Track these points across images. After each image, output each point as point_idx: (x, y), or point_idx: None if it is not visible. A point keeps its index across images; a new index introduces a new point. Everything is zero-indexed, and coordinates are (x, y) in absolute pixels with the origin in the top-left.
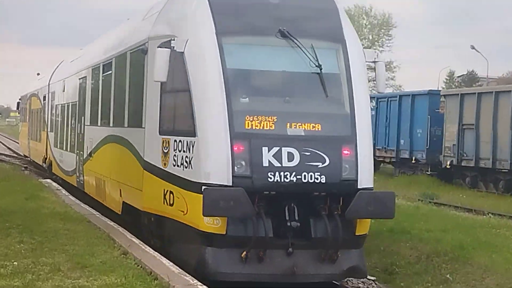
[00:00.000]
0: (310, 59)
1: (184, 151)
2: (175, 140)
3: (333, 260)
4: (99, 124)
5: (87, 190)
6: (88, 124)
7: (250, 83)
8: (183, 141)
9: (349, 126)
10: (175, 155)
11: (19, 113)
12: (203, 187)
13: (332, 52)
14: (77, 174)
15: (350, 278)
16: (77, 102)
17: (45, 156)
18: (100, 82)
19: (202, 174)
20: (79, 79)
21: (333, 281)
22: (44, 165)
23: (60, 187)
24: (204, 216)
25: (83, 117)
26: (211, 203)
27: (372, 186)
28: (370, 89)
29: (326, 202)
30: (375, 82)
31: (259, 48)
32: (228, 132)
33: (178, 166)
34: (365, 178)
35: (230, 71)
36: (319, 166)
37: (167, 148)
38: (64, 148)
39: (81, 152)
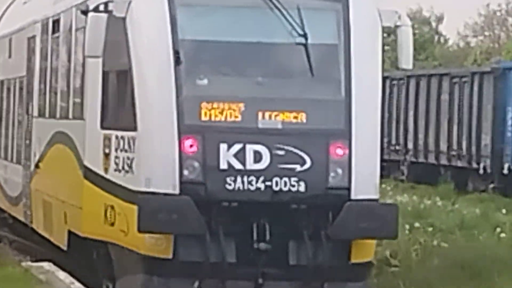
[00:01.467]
0: (294, 25)
1: (125, 151)
2: (116, 136)
3: None
4: (46, 115)
5: (35, 224)
6: (36, 115)
7: (211, 58)
8: (124, 137)
9: (342, 116)
10: (116, 156)
11: None
12: (139, 196)
13: (327, 15)
14: (24, 200)
15: None
16: (25, 79)
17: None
18: (49, 48)
19: (142, 180)
20: (28, 39)
21: None
22: None
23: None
24: (139, 232)
25: (30, 104)
26: (148, 216)
27: (376, 197)
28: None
29: (309, 218)
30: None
31: (225, 11)
32: (176, 124)
33: (119, 171)
34: (363, 186)
35: (184, 43)
36: (297, 170)
37: (108, 147)
38: (9, 158)
39: (28, 163)
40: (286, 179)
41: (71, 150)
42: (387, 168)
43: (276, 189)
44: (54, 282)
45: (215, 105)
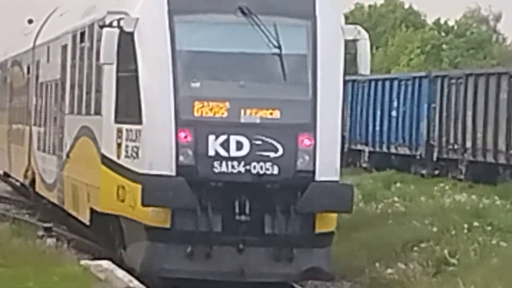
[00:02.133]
0: (270, 38)
1: (133, 141)
2: (126, 129)
3: (290, 259)
4: (75, 112)
5: (66, 205)
6: (67, 112)
7: (203, 65)
8: (132, 129)
9: (309, 113)
10: (126, 145)
11: None
12: (143, 177)
13: (299, 30)
14: (57, 185)
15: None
16: (59, 81)
17: (27, 167)
18: (77, 56)
19: (146, 164)
20: (62, 47)
21: (290, 282)
22: (26, 182)
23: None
24: (142, 206)
25: (63, 103)
26: (149, 193)
27: (337, 179)
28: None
29: (281, 195)
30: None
31: (215, 27)
32: (173, 119)
33: (128, 157)
34: (326, 170)
35: (181, 53)
36: (271, 156)
37: (120, 138)
38: (47, 150)
39: (61, 153)
40: (262, 163)
41: (92, 141)
42: (445, 167)
43: (254, 172)
44: (112, 281)
45: (205, 104)
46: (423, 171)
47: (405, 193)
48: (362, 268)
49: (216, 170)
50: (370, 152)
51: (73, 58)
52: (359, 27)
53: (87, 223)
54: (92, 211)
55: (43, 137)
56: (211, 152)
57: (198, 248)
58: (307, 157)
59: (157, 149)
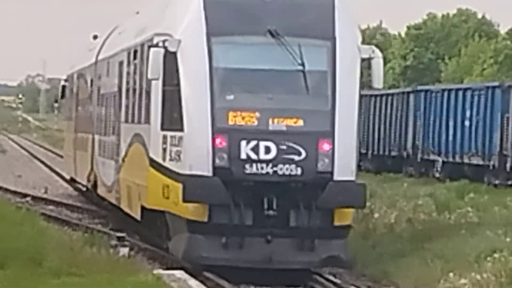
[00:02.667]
0: (295, 57)
1: (176, 146)
2: (170, 136)
3: (312, 248)
4: (129, 121)
5: (122, 204)
6: (123, 121)
7: (236, 80)
8: (175, 136)
9: (328, 121)
10: (170, 149)
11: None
12: (184, 177)
13: (320, 50)
14: (115, 187)
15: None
16: (117, 93)
17: (90, 172)
18: (131, 71)
19: (187, 166)
20: (119, 63)
21: (312, 269)
22: (89, 185)
23: None
24: (183, 202)
25: (119, 113)
26: (189, 191)
27: (353, 178)
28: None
29: (304, 193)
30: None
31: (247, 47)
32: (210, 127)
33: (172, 160)
34: (342, 171)
35: (217, 70)
36: (295, 159)
37: (165, 143)
38: (107, 156)
39: (118, 158)
40: (287, 166)
41: (142, 146)
42: None
43: (281, 173)
44: None
45: (238, 113)
46: (496, 181)
47: (478, 203)
48: (436, 278)
49: (247, 171)
50: (443, 162)
51: (128, 73)
52: (373, 47)
53: (139, 218)
54: (143, 208)
55: (103, 144)
56: (243, 156)
57: (232, 239)
58: (326, 160)
59: (196, 153)
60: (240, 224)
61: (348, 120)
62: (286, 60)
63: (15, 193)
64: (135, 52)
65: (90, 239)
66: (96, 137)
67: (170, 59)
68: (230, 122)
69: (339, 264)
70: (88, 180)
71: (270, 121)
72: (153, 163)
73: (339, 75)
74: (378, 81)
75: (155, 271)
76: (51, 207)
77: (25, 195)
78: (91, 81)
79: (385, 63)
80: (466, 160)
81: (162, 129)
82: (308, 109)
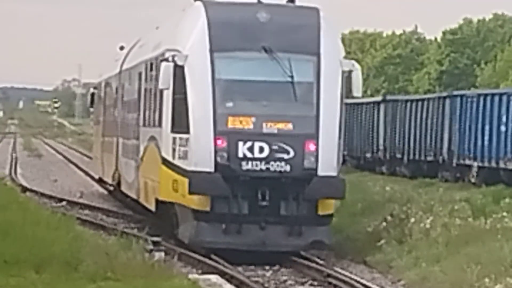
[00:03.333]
0: (285, 70)
1: (183, 146)
2: (179, 137)
3: (299, 234)
4: (146, 125)
5: (141, 198)
6: (141, 125)
7: (235, 90)
8: (183, 137)
9: (313, 125)
10: (179, 149)
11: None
12: (190, 173)
13: (307, 64)
14: (135, 183)
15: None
16: (137, 100)
17: (114, 171)
18: (148, 81)
19: (192, 163)
20: (138, 73)
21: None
22: (114, 183)
23: None
24: (189, 194)
25: (138, 118)
26: (194, 184)
27: (334, 174)
28: None
29: (292, 186)
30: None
31: (244, 61)
32: (212, 130)
33: (180, 158)
34: (326, 168)
35: (219, 81)
36: (285, 158)
37: (174, 144)
38: (128, 156)
39: (137, 158)
40: (278, 163)
41: (156, 147)
42: None
43: (272, 169)
44: None
45: (236, 118)
46: None
47: None
48: (472, 283)
49: (243, 168)
50: (478, 167)
51: (145, 83)
52: (353, 61)
53: (153, 210)
54: (157, 200)
55: (125, 146)
56: (240, 154)
57: (231, 226)
58: (312, 158)
59: (200, 152)
60: (238, 213)
61: (330, 124)
62: (278, 72)
63: (50, 197)
64: (151, 64)
65: (126, 244)
66: (120, 140)
67: (179, 71)
68: (230, 126)
69: (322, 247)
70: (113, 179)
71: (264, 125)
72: (164, 161)
73: (323, 85)
74: (357, 90)
75: (190, 276)
76: (86, 211)
77: (60, 200)
78: (116, 89)
79: (421, 68)
80: (502, 165)
81: (172, 131)
82: (296, 114)
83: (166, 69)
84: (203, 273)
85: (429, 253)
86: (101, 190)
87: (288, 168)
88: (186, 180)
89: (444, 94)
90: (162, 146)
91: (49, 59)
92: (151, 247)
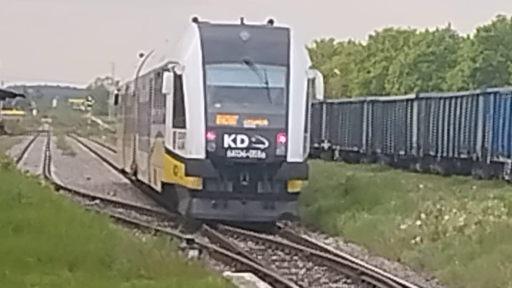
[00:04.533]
0: (262, 78)
1: (181, 138)
2: (178, 132)
3: (273, 207)
4: (155, 122)
5: (152, 182)
6: (152, 122)
7: (222, 94)
8: (181, 131)
9: (284, 121)
10: (178, 141)
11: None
12: (186, 160)
13: (279, 73)
14: (147, 171)
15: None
16: (148, 102)
17: (132, 162)
18: (157, 87)
19: (188, 152)
20: (149, 80)
21: (274, 221)
22: (131, 172)
23: None
24: (185, 176)
25: (150, 117)
26: (190, 168)
27: (300, 160)
28: None
29: (267, 170)
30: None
31: (229, 71)
32: (204, 126)
33: (178, 148)
34: (294, 155)
35: (209, 87)
36: (261, 147)
37: (175, 136)
38: (143, 149)
39: (148, 149)
40: (256, 151)
41: (161, 139)
42: None
43: (251, 156)
44: None
45: (223, 116)
46: None
47: None
48: (505, 280)
49: (228, 155)
50: None
51: (155, 88)
52: (316, 70)
53: (160, 191)
54: (162, 183)
55: (140, 140)
56: (226, 145)
57: (218, 202)
58: (282, 148)
59: (194, 143)
60: (224, 191)
61: (297, 121)
62: (256, 80)
63: (84, 195)
64: (158, 73)
65: (159, 242)
66: (137, 135)
67: (178, 79)
68: (218, 122)
69: (292, 218)
70: (131, 169)
71: (245, 121)
72: (167, 150)
73: (292, 90)
74: (319, 94)
75: (224, 274)
76: (120, 209)
77: (94, 198)
78: (134, 92)
79: (454, 66)
80: None
81: (173, 127)
82: (270, 113)
83: (168, 77)
84: (237, 271)
85: (462, 251)
86: (134, 187)
87: (263, 155)
88: (183, 165)
89: (478, 91)
90: (166, 139)
91: (83, 57)
92: (184, 245)
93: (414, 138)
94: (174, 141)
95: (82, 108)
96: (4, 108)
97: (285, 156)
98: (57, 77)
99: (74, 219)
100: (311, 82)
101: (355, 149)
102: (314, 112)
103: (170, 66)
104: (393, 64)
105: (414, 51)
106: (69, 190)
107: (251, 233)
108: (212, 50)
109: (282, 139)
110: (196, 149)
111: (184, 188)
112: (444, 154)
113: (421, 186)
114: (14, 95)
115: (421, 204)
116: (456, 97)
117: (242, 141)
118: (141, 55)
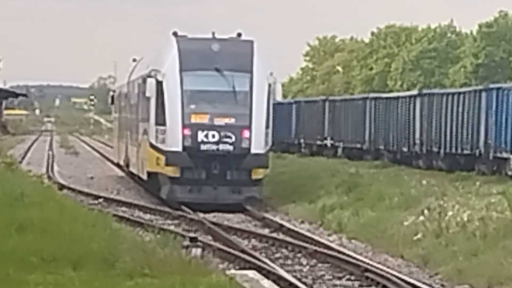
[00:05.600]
0: (230, 83)
1: (162, 134)
2: (160, 129)
3: (239, 192)
4: (142, 120)
5: (140, 172)
6: (139, 121)
7: (196, 97)
8: (162, 128)
9: (248, 119)
10: (159, 136)
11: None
12: (166, 152)
13: (244, 79)
14: (136, 163)
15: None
16: (137, 104)
17: (125, 156)
18: (142, 90)
19: (168, 145)
20: (138, 84)
21: (241, 204)
22: (124, 164)
23: None
24: (165, 166)
25: (138, 116)
26: (169, 159)
27: (262, 152)
28: None
29: (234, 160)
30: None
31: (203, 77)
32: (180, 123)
33: (160, 142)
34: (257, 148)
35: (186, 91)
36: (229, 141)
37: (157, 132)
38: (133, 144)
39: (137, 144)
40: (225, 145)
41: (146, 135)
42: None
43: (221, 149)
44: None
45: (197, 115)
46: None
47: None
48: (509, 276)
49: (201, 148)
50: None
51: (141, 91)
52: (275, 76)
53: (146, 179)
54: (147, 172)
55: (131, 137)
56: (199, 139)
57: (194, 187)
58: (247, 142)
59: (173, 138)
60: (199, 179)
61: (259, 119)
62: (225, 84)
63: (87, 194)
64: (144, 79)
65: (163, 240)
66: (128, 132)
67: (159, 84)
68: (192, 120)
69: (256, 201)
70: (124, 162)
71: (215, 119)
72: (151, 145)
73: (255, 93)
74: (278, 96)
75: (227, 272)
76: (123, 208)
77: (97, 197)
78: (125, 94)
79: (456, 62)
80: None
81: (155, 124)
82: (237, 112)
83: (151, 83)
84: (240, 268)
85: (466, 247)
86: (137, 186)
87: (231, 148)
88: (163, 157)
89: (480, 87)
90: (149, 134)
91: (85, 57)
92: (188, 243)
93: (417, 135)
94: (156, 137)
95: (85, 107)
96: (6, 108)
97: (249, 149)
98: (59, 77)
99: (77, 219)
100: (271, 86)
101: (358, 146)
102: (317, 110)
103: (153, 73)
104: (395, 60)
105: (416, 48)
106: (73, 190)
107: (254, 230)
108: (188, 60)
109: (246, 134)
110: (174, 143)
111: (165, 176)
112: (447, 150)
113: (424, 182)
114: (16, 95)
115: (424, 201)
116: (459, 93)
117: (213, 136)
118: (134, 60)
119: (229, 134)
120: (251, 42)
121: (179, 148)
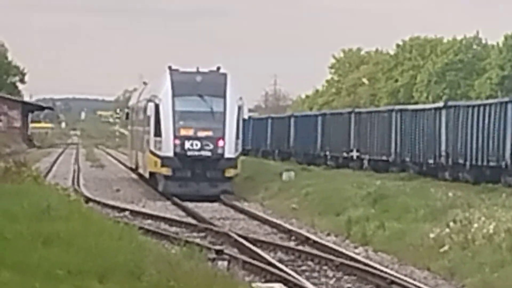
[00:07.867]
0: (209, 105)
1: (159, 143)
2: (157, 140)
3: (216, 186)
4: (145, 133)
5: (145, 173)
6: (145, 133)
7: (184, 116)
8: (159, 139)
9: (222, 132)
10: (157, 145)
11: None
12: (162, 157)
13: (220, 102)
14: (142, 165)
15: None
16: (143, 120)
17: (135, 161)
18: (146, 110)
19: (163, 152)
20: (143, 105)
21: (217, 195)
22: (133, 166)
23: None
24: (161, 167)
25: (143, 129)
26: (164, 162)
27: (233, 156)
28: None
29: (212, 163)
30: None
31: (189, 101)
32: (172, 135)
33: (157, 149)
34: (229, 153)
35: (176, 112)
36: (208, 149)
37: (155, 142)
38: (141, 151)
39: (143, 150)
40: (205, 151)
41: (148, 144)
42: None
43: (203, 154)
44: None
45: (185, 129)
46: None
47: None
48: None
49: (188, 154)
50: None
51: (145, 111)
52: (243, 100)
53: (148, 177)
54: (149, 172)
55: (140, 145)
56: (186, 147)
57: (182, 183)
58: (221, 149)
59: (167, 146)
60: (186, 176)
61: (231, 131)
62: (206, 106)
63: (113, 207)
64: (147, 101)
65: (189, 253)
66: (137, 142)
67: (157, 107)
68: (181, 133)
69: (229, 193)
70: (135, 165)
71: (198, 132)
72: (151, 151)
73: (227, 113)
74: (244, 115)
75: (253, 285)
76: (149, 221)
77: (123, 210)
78: (136, 112)
79: (482, 74)
80: None
81: (154, 136)
82: (214, 127)
83: (150, 106)
84: (267, 281)
85: (492, 259)
86: (163, 198)
87: (209, 154)
88: (160, 160)
89: (506, 99)
90: (150, 144)
91: (111, 69)
92: (214, 255)
93: (443, 147)
94: (155, 145)
95: (111, 120)
96: (32, 121)
97: (223, 154)
98: (85, 90)
99: (103, 231)
100: (240, 107)
101: (384, 158)
102: (342, 122)
103: (152, 98)
104: (421, 72)
105: (442, 60)
106: (98, 202)
107: (280, 243)
108: (178, 88)
109: (221, 143)
110: (168, 150)
111: (161, 175)
112: (473, 162)
113: (450, 194)
114: (42, 108)
115: (450, 212)
116: (485, 105)
117: (196, 145)
118: (144, 83)
119: (208, 143)
120: (225, 74)
121: (171, 154)
